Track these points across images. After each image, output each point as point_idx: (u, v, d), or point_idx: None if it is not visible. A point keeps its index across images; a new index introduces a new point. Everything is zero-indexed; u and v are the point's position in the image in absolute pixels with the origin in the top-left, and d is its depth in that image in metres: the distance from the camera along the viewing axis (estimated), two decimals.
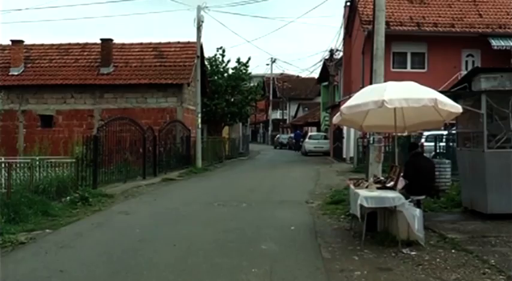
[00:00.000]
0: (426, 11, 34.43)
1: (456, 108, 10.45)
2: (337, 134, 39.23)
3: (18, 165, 18.04)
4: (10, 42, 35.60)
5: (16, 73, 34.40)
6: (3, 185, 15.64)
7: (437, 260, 9.22)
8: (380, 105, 10.02)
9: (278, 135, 74.45)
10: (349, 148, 34.22)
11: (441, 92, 11.59)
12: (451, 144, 19.25)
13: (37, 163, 18.71)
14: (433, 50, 33.22)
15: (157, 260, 9.55)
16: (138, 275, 8.62)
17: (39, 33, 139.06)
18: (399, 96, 10.11)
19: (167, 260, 9.52)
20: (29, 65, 35.13)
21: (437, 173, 12.55)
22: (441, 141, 20.98)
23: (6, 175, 15.47)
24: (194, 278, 8.46)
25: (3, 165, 17.76)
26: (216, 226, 12.80)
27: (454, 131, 19.18)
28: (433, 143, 21.09)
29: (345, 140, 36.79)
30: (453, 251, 9.81)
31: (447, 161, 14.39)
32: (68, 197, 16.35)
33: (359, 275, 8.40)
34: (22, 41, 35.62)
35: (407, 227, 10.08)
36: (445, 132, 20.73)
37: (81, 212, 14.88)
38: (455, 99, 11.31)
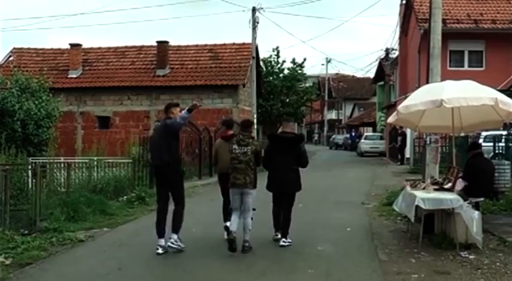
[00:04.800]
0: (484, 7, 33.66)
1: None
2: (393, 135, 38.78)
3: (76, 165, 18.40)
4: (69, 46, 36.43)
5: (74, 76, 35.21)
6: (62, 184, 15.97)
7: (497, 264, 9.03)
8: (438, 105, 9.86)
9: (333, 136, 73.98)
10: (406, 149, 33.76)
11: (500, 91, 11.35)
12: (510, 144, 18.81)
13: (95, 163, 19.06)
14: (491, 48, 32.42)
15: (213, 257, 9.62)
16: (194, 274, 8.72)
17: (97, 36, 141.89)
18: (458, 95, 9.93)
19: (223, 259, 9.58)
20: (86, 68, 35.89)
21: (496, 174, 12.27)
22: (500, 141, 20.51)
23: (66, 174, 15.81)
24: (250, 278, 8.51)
25: (62, 165, 18.14)
26: (271, 226, 12.80)
27: None
28: (491, 144, 20.62)
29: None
30: None
31: (506, 162, 14.03)
32: (125, 197, 16.61)
33: (416, 278, 8.29)
34: (80, 45, 36.45)
35: (466, 229, 9.89)
36: (505, 133, 20.26)
37: (138, 211, 15.10)
38: None
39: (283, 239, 10.57)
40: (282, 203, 10.84)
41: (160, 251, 9.85)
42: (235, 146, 10.18)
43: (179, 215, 10.24)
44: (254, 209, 10.34)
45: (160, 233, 10.09)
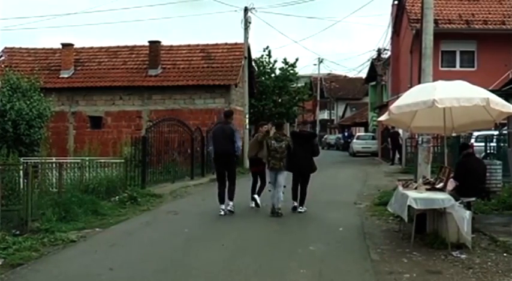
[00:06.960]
0: (476, 8, 33.73)
1: (508, 107, 10.24)
2: (385, 135, 38.83)
3: (68, 165, 18.35)
4: (61, 46, 36.28)
5: (66, 76, 35.04)
6: (54, 184, 15.93)
7: (489, 263, 9.06)
8: (430, 105, 9.88)
9: (326, 136, 74.06)
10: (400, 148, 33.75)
11: (491, 91, 11.38)
12: (502, 144, 18.86)
13: (87, 163, 18.99)
14: (483, 48, 32.48)
15: (205, 259, 9.60)
16: (186, 274, 8.70)
17: (87, 36, 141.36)
18: (450, 95, 9.96)
19: (215, 260, 9.57)
20: (78, 68, 35.73)
21: (487, 174, 12.28)
22: (492, 141, 20.57)
23: (58, 174, 15.76)
24: (242, 278, 8.49)
25: (54, 165, 18.09)
26: (264, 227, 12.82)
27: (505, 131, 18.79)
28: (483, 144, 20.70)
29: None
30: (505, 254, 9.62)
31: (498, 162, 14.05)
32: (117, 197, 16.56)
33: (408, 278, 8.30)
34: (72, 45, 36.25)
35: (457, 229, 9.92)
36: (496, 133, 20.32)
37: (130, 211, 15.07)
38: (506, 99, 11.08)
39: (300, 207, 14.56)
40: (299, 182, 14.72)
41: (222, 213, 14.09)
42: (273, 142, 14.24)
43: (233, 189, 14.59)
44: (285, 186, 14.29)
45: (222, 200, 14.36)
